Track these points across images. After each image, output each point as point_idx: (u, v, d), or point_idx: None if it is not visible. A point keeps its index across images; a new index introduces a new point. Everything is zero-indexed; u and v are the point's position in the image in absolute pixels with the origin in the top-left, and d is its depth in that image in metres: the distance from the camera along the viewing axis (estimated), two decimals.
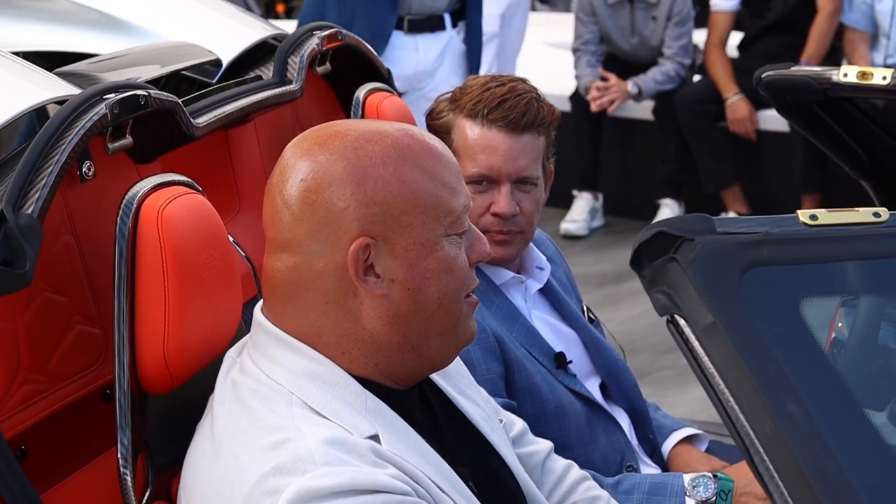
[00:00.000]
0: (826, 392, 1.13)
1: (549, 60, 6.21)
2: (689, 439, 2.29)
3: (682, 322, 1.18)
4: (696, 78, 5.63)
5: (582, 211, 5.70)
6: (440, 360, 1.45)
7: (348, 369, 1.39)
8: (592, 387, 2.19)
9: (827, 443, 1.07)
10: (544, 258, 2.21)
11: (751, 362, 1.12)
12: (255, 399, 1.37)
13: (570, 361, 2.14)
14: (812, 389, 1.10)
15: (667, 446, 2.28)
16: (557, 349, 2.13)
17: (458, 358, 1.53)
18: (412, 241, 1.37)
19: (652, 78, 5.50)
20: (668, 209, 5.61)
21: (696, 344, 1.16)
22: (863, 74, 2.04)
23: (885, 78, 2.01)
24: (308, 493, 1.26)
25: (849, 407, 1.14)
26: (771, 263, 1.18)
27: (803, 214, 1.22)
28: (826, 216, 1.21)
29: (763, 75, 2.17)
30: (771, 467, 1.09)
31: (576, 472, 1.75)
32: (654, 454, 2.24)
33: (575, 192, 5.71)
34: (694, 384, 4.21)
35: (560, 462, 1.75)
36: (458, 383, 1.58)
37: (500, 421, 1.66)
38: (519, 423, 1.74)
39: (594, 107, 5.45)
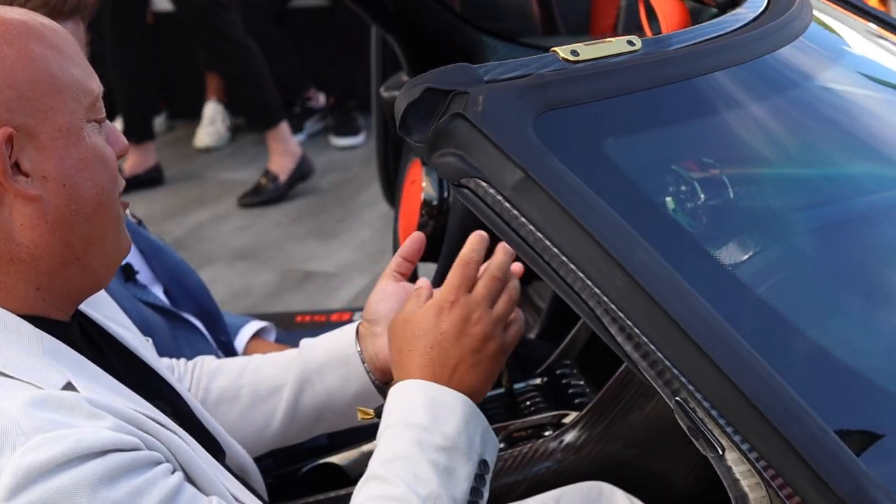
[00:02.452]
0: (663, 234, 1.05)
1: None
2: (258, 333, 2.16)
3: (483, 184, 1.03)
4: None
5: None
6: (103, 273, 1.24)
7: (9, 307, 1.14)
8: (158, 294, 1.98)
9: (685, 286, 1.00)
10: None
11: (582, 215, 1.00)
12: None
13: (137, 272, 1.91)
14: (650, 233, 1.02)
15: (239, 343, 2.14)
16: None
17: None
18: (57, 128, 1.15)
19: None
20: None
21: (506, 206, 1.03)
22: None
23: None
24: (29, 472, 1.02)
25: (690, 244, 1.07)
26: (557, 106, 1.07)
27: (563, 51, 1.11)
28: (586, 50, 1.12)
29: None
30: (629, 323, 0.99)
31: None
32: (229, 354, 2.09)
33: None
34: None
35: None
36: (105, 309, 1.37)
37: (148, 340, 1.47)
38: None
39: None
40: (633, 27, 2.90)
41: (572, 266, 1.01)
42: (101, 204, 1.18)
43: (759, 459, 0.97)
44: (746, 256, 1.05)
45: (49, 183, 1.13)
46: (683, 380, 0.99)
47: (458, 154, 1.04)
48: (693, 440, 1.02)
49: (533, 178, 1.02)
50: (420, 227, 2.02)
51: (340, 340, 1.53)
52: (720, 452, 0.99)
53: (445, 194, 2.01)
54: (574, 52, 1.12)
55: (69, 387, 1.10)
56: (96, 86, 1.20)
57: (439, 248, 2.04)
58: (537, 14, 2.75)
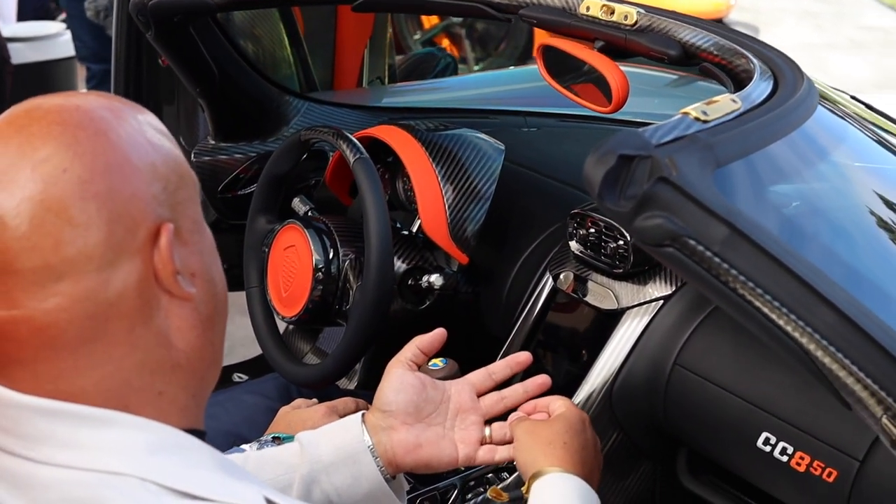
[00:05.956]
0: (847, 268, 1.16)
1: None
2: None
3: (691, 242, 1.09)
4: None
5: None
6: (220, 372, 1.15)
7: (172, 421, 1.03)
8: None
9: (878, 316, 1.12)
10: None
11: (788, 260, 1.10)
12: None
13: None
14: (836, 270, 1.13)
15: None
16: None
17: None
18: (191, 221, 1.05)
19: None
20: None
21: (716, 260, 1.09)
22: None
23: None
24: None
25: (857, 276, 1.19)
26: (724, 163, 1.15)
27: (695, 112, 1.20)
28: (710, 110, 1.21)
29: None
30: (845, 359, 1.09)
31: None
32: None
33: None
34: None
35: None
36: None
37: None
38: None
39: None
40: (375, 78, 2.98)
41: (784, 309, 1.10)
42: (226, 297, 1.11)
43: None
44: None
45: (197, 279, 1.04)
46: (889, 398, 1.11)
47: (664, 216, 1.09)
48: (894, 451, 1.14)
49: (740, 230, 1.09)
50: (311, 292, 1.98)
51: (347, 435, 1.48)
52: None
53: (331, 255, 1.99)
54: (704, 113, 1.20)
55: (269, 502, 1.02)
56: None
57: (331, 311, 2.01)
58: (294, 70, 2.77)
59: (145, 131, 1.03)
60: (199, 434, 1.05)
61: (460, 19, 7.23)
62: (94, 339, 0.97)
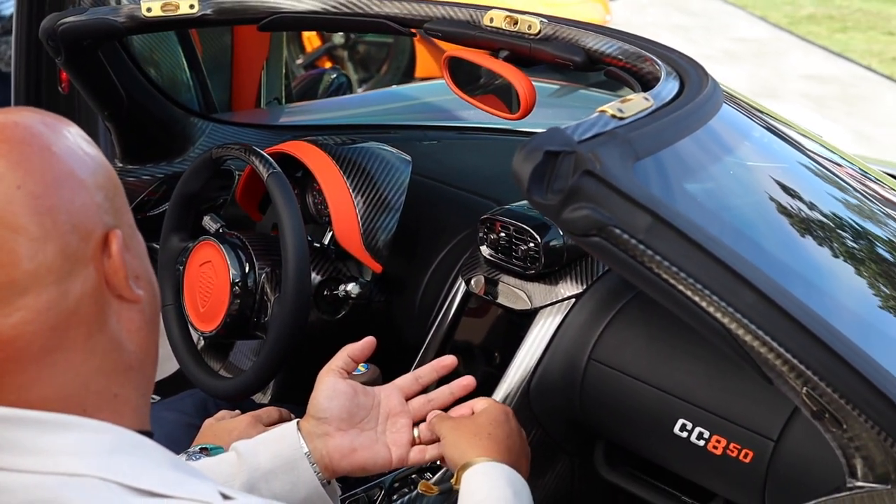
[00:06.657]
0: (764, 254, 1.23)
1: None
2: None
3: (616, 231, 1.15)
4: None
5: None
6: None
7: (125, 423, 1.05)
8: None
9: (796, 297, 1.19)
10: None
11: (710, 245, 1.16)
12: None
13: None
14: (754, 254, 1.20)
15: None
16: None
17: None
18: (128, 226, 1.09)
19: None
20: None
21: (641, 248, 1.16)
22: (165, 6, 1.96)
23: (192, 6, 1.96)
24: None
25: (778, 257, 1.25)
26: (642, 156, 1.22)
27: (612, 109, 1.26)
28: (625, 107, 1.27)
29: (58, 24, 1.93)
30: (765, 336, 1.16)
31: None
32: None
33: None
34: None
35: None
36: None
37: None
38: None
39: None
40: (273, 98, 3.00)
41: (707, 291, 1.16)
42: (160, 297, 1.15)
43: (879, 429, 1.19)
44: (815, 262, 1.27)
45: (141, 282, 1.07)
46: (808, 371, 1.18)
47: (590, 207, 1.15)
48: (816, 422, 1.21)
49: (663, 218, 1.15)
50: (229, 306, 1.99)
51: (284, 443, 1.52)
52: (843, 427, 1.20)
53: (248, 269, 2.01)
54: (620, 110, 1.26)
55: (225, 496, 1.05)
56: None
57: (249, 324, 2.03)
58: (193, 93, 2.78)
59: (80, 143, 1.06)
60: (148, 435, 1.07)
61: (342, 42, 7.28)
62: (57, 349, 0.99)
